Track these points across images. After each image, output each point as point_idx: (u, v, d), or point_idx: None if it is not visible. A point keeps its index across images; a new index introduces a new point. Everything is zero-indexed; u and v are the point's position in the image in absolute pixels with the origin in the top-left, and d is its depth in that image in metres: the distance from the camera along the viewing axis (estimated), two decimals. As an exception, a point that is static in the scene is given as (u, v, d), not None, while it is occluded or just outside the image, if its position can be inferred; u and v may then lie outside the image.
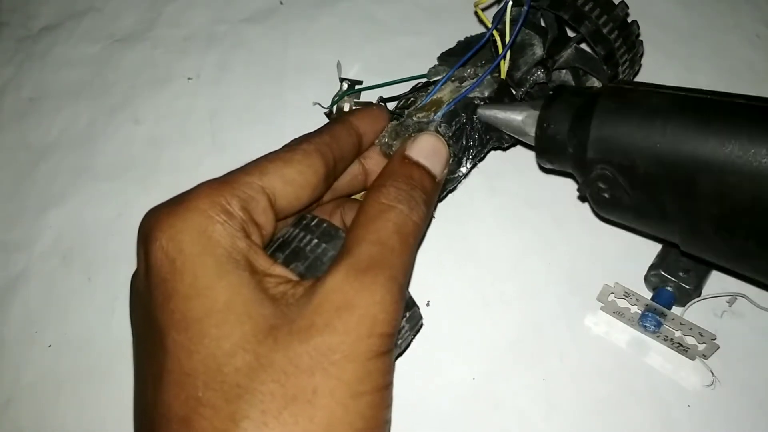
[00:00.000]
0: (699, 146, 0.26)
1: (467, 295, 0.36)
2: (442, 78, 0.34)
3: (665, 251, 0.35)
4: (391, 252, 0.25)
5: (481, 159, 0.36)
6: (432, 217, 0.38)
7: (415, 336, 0.30)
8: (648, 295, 0.35)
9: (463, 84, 0.34)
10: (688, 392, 0.34)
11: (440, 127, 0.32)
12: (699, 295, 0.34)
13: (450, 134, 0.32)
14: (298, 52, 0.45)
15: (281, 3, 0.47)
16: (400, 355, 0.34)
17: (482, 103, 0.33)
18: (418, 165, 0.29)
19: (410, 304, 0.28)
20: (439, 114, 0.32)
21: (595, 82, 0.37)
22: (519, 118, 0.33)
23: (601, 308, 0.35)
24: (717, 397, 0.33)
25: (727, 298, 0.35)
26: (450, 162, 0.31)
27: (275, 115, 0.43)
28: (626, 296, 0.34)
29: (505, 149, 0.38)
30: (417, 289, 0.36)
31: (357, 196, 0.34)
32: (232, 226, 0.25)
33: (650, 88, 0.29)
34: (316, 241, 0.27)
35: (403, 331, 0.28)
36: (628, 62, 0.36)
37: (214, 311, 0.23)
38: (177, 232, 0.24)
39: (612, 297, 0.34)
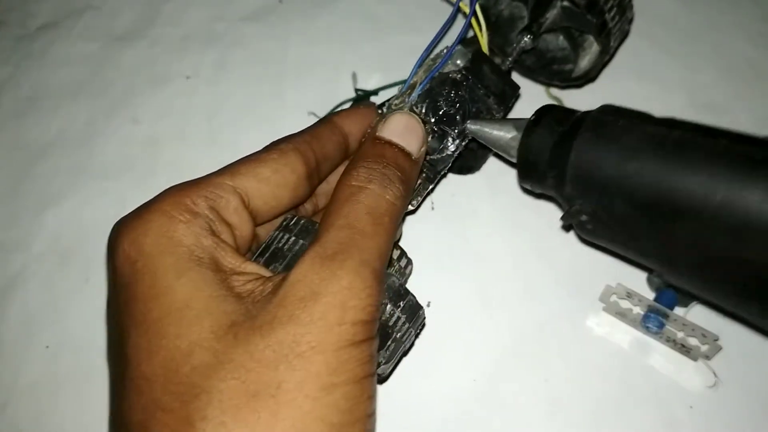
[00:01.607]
0: (676, 193, 0.26)
1: (468, 295, 0.36)
2: (416, 63, 0.33)
3: None
4: (361, 235, 0.24)
5: (470, 139, 0.34)
6: (422, 206, 0.38)
7: (418, 330, 0.29)
8: (650, 295, 0.34)
9: (436, 61, 0.33)
10: (690, 393, 0.34)
11: (416, 107, 0.31)
12: None
13: (426, 111, 0.31)
14: (297, 51, 0.45)
15: (280, 1, 0.47)
16: (406, 354, 0.34)
17: (459, 75, 0.32)
18: (390, 144, 0.28)
19: (403, 293, 0.27)
20: (414, 95, 0.31)
21: (595, 44, 0.37)
22: (507, 136, 0.32)
23: (604, 309, 0.35)
24: (719, 398, 0.33)
25: None
26: (430, 138, 0.30)
27: (274, 114, 0.43)
28: (629, 297, 0.34)
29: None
30: (418, 290, 0.36)
31: None
32: (197, 224, 0.24)
33: (634, 120, 0.29)
34: (293, 239, 0.27)
35: (400, 324, 0.27)
36: (615, 8, 0.35)
37: (172, 310, 0.22)
38: (138, 235, 0.24)
39: (614, 298, 0.34)
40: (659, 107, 0.42)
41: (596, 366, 0.34)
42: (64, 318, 0.38)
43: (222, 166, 0.27)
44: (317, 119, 0.38)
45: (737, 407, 0.33)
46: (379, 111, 0.33)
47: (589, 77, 0.38)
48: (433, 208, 0.39)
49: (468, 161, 0.39)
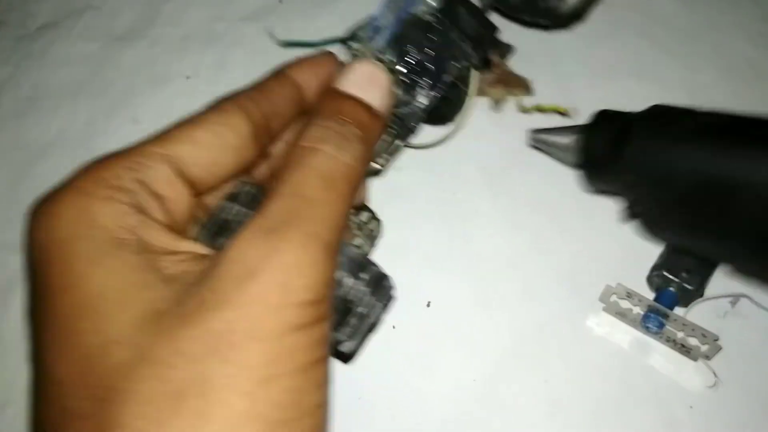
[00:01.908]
0: (733, 169, 0.26)
1: (468, 295, 0.36)
2: (381, 3, 0.29)
3: (668, 252, 0.35)
4: (309, 204, 0.21)
5: (446, 85, 0.30)
6: (422, 206, 0.37)
7: (386, 302, 0.26)
8: (650, 295, 0.34)
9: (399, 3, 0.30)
10: (690, 393, 0.34)
11: (383, 53, 0.28)
12: (702, 296, 0.34)
13: (394, 60, 0.28)
14: (297, 51, 0.45)
15: (281, 1, 0.47)
16: (371, 330, 0.33)
17: (431, 17, 0.29)
18: (349, 97, 0.25)
19: (364, 263, 0.24)
20: (380, 40, 0.28)
21: None
22: (565, 141, 0.34)
23: (603, 309, 0.35)
24: (719, 398, 0.33)
25: (730, 298, 0.35)
26: (398, 90, 0.27)
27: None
28: (628, 297, 0.34)
29: (476, 68, 0.33)
30: (417, 290, 0.36)
31: None
32: (119, 201, 0.21)
33: (684, 112, 0.30)
34: (243, 209, 0.24)
35: (365, 297, 0.25)
36: None
37: (85, 303, 0.19)
38: (51, 218, 0.21)
39: (614, 298, 0.34)
40: (659, 107, 0.42)
41: (596, 366, 0.34)
42: (64, 318, 0.38)
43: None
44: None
45: (737, 407, 0.33)
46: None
47: (577, 14, 0.37)
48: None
49: (441, 109, 0.36)
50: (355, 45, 0.29)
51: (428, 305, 0.36)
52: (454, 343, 0.35)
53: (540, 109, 0.39)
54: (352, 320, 0.24)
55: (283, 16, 0.46)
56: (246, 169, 0.26)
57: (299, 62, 0.28)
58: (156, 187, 0.22)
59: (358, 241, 0.29)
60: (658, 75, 0.43)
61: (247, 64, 0.45)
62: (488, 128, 0.41)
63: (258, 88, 0.26)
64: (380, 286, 0.25)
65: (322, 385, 0.21)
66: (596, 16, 0.45)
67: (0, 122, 0.44)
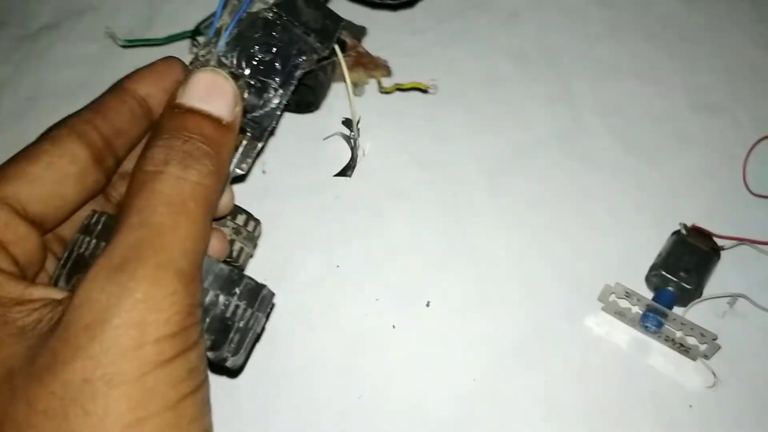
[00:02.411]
0: None
1: (468, 295, 0.36)
2: (219, 4, 0.28)
3: (667, 251, 0.35)
4: (158, 232, 0.20)
5: (297, 83, 0.29)
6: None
7: (268, 311, 0.26)
8: (649, 295, 0.35)
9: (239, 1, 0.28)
10: (689, 393, 0.34)
11: (225, 58, 0.26)
12: (700, 296, 0.34)
13: (238, 62, 0.26)
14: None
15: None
16: (258, 338, 0.32)
17: (270, 14, 0.27)
18: (192, 111, 0.23)
19: (235, 279, 0.24)
20: (221, 43, 0.26)
21: None
22: None
23: (602, 309, 0.35)
24: (719, 398, 0.33)
25: (728, 298, 0.35)
26: (246, 95, 0.26)
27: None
28: (627, 296, 0.34)
29: (322, 64, 0.32)
30: (417, 290, 0.36)
31: None
32: None
33: None
34: (95, 242, 0.23)
35: (240, 312, 0.24)
36: None
37: None
38: None
39: (613, 297, 0.34)
40: (659, 108, 0.42)
41: (595, 366, 0.34)
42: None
43: None
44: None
45: (736, 406, 0.33)
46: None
47: None
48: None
49: (306, 97, 0.36)
50: (197, 50, 0.28)
51: (428, 305, 0.36)
52: (453, 343, 0.35)
53: (400, 88, 0.39)
54: (235, 336, 0.24)
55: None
56: (95, 195, 0.25)
57: (138, 73, 0.26)
58: (2, 234, 0.21)
59: (237, 246, 0.28)
60: (658, 76, 0.43)
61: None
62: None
63: (94, 108, 0.24)
64: (258, 298, 0.25)
65: (198, 417, 0.20)
66: (597, 17, 0.45)
67: (0, 123, 0.45)
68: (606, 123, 0.41)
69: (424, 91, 0.40)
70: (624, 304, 0.34)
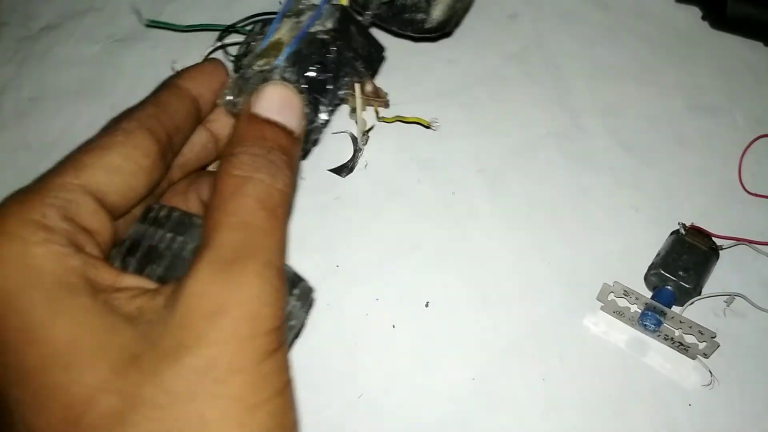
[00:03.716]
0: None
1: (467, 295, 0.37)
2: (276, 16, 0.30)
3: (665, 250, 0.35)
4: (259, 233, 0.21)
5: (340, 101, 0.32)
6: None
7: (308, 311, 0.27)
8: (648, 294, 0.35)
9: (301, 18, 0.30)
10: (688, 391, 0.34)
11: (285, 72, 0.28)
12: (699, 294, 0.34)
13: (297, 78, 0.28)
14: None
15: (280, 2, 0.47)
16: (297, 337, 0.33)
17: (327, 37, 0.29)
18: (268, 122, 0.24)
19: (295, 280, 0.25)
20: (281, 58, 0.28)
21: None
22: None
23: (601, 308, 0.35)
24: (718, 396, 0.34)
25: (725, 297, 0.35)
26: (306, 111, 0.27)
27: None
28: (626, 295, 0.34)
29: (362, 82, 0.35)
30: (416, 290, 0.36)
31: (212, 167, 0.31)
32: (57, 243, 0.20)
33: None
34: (170, 235, 0.24)
35: (295, 311, 0.25)
36: None
37: (57, 355, 0.19)
38: None
39: (612, 296, 0.34)
40: (656, 109, 0.42)
41: (594, 365, 0.35)
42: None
43: (58, 162, 0.23)
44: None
45: (735, 405, 0.33)
46: (236, 63, 0.30)
47: (443, 30, 0.38)
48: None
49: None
50: (247, 59, 0.29)
51: (427, 305, 0.36)
52: (452, 342, 0.35)
53: (402, 120, 0.39)
54: (289, 335, 0.25)
55: (284, 17, 0.46)
56: (155, 189, 0.25)
57: (191, 73, 0.27)
58: (83, 221, 0.22)
59: None
60: (655, 77, 0.43)
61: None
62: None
63: (156, 103, 0.25)
64: (308, 299, 0.26)
65: (295, 405, 0.22)
66: (596, 20, 0.45)
67: (2, 123, 0.45)
68: (604, 123, 0.41)
69: (426, 126, 0.40)
70: (623, 303, 0.35)
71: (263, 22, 0.32)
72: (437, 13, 0.37)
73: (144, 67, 0.45)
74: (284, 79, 0.28)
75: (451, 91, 0.42)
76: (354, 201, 0.39)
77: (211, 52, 0.30)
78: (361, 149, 0.38)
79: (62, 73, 0.46)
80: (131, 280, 0.22)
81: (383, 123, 0.40)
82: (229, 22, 0.40)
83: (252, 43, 0.31)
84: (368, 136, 0.39)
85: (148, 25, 0.40)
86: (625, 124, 0.41)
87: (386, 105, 0.39)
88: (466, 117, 0.41)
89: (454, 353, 0.35)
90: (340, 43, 0.30)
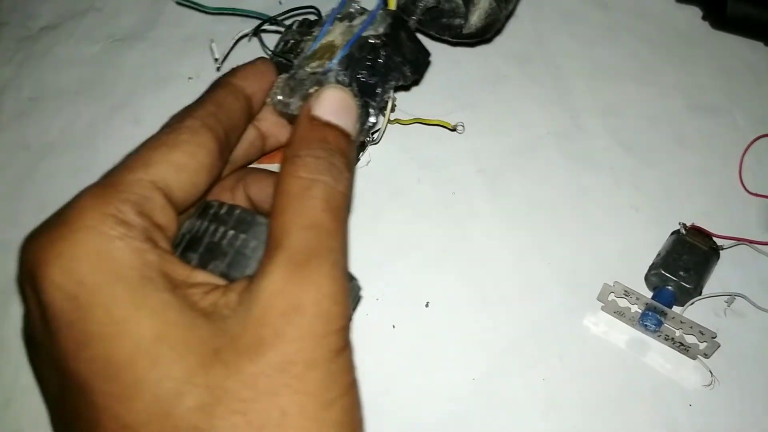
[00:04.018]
0: None
1: (467, 295, 0.36)
2: (328, 19, 0.30)
3: (665, 250, 0.35)
4: (327, 234, 0.22)
5: (386, 104, 0.32)
6: (423, 202, 0.37)
7: (356, 308, 0.27)
8: (648, 294, 0.35)
9: (354, 22, 0.31)
10: (689, 392, 0.34)
11: (339, 75, 0.28)
12: (699, 294, 0.34)
13: (349, 81, 0.28)
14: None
15: (280, 2, 0.47)
16: None
17: (378, 41, 0.29)
18: (329, 125, 0.25)
19: (350, 278, 0.25)
20: (335, 61, 0.28)
21: (485, 0, 0.37)
22: None
23: (602, 308, 0.35)
24: (718, 397, 0.34)
25: (726, 298, 0.35)
26: (360, 114, 0.28)
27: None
28: (626, 295, 0.34)
29: (407, 88, 0.36)
30: (416, 290, 0.36)
31: (256, 164, 0.31)
32: (135, 239, 0.21)
33: None
34: (232, 232, 0.24)
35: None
36: None
37: (143, 349, 0.20)
38: (70, 260, 0.20)
39: (612, 296, 0.34)
40: (657, 109, 0.42)
41: (594, 365, 0.35)
42: (66, 317, 0.38)
43: (128, 154, 0.24)
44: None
45: (736, 406, 0.33)
46: (281, 61, 0.30)
47: (482, 36, 0.38)
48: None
49: None
50: (307, 62, 0.29)
51: (427, 305, 0.36)
52: (452, 343, 0.35)
53: (422, 122, 0.39)
54: None
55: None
56: (211, 188, 0.26)
57: (245, 72, 0.28)
58: (156, 217, 0.22)
59: None
60: (655, 78, 0.43)
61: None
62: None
63: (215, 102, 0.26)
64: (356, 295, 0.26)
65: (361, 402, 0.22)
66: (596, 20, 0.45)
67: (2, 123, 0.45)
68: (604, 123, 0.41)
69: (451, 129, 0.40)
70: (623, 303, 0.35)
71: (303, 19, 0.32)
72: (475, 18, 0.37)
73: (144, 67, 0.45)
74: (338, 81, 0.28)
75: (452, 90, 0.42)
76: (354, 201, 0.39)
77: (239, 39, 0.32)
78: (370, 141, 0.38)
79: (62, 73, 0.46)
80: (202, 276, 0.22)
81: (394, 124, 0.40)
82: (238, 17, 0.40)
83: (291, 41, 0.32)
84: (381, 136, 0.39)
85: (178, 3, 0.40)
86: (625, 124, 0.41)
87: (392, 109, 0.39)
88: (467, 117, 0.41)
89: (455, 353, 0.35)
90: (390, 48, 0.30)
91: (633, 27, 0.45)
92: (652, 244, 0.37)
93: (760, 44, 0.44)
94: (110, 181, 0.22)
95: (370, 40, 0.30)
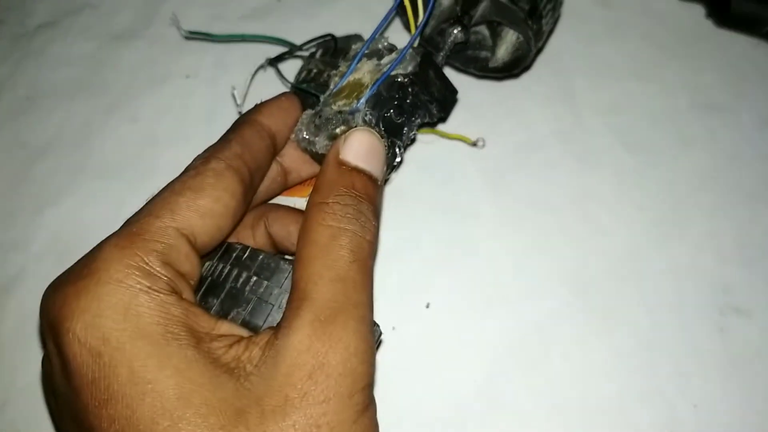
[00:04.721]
0: None
1: (468, 296, 0.36)
2: (356, 55, 0.30)
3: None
4: (354, 288, 0.22)
5: (412, 141, 0.32)
6: (422, 200, 0.37)
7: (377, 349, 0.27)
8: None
9: (382, 61, 0.30)
10: (693, 392, 0.33)
11: (366, 115, 0.28)
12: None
13: (377, 122, 0.28)
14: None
15: (278, 0, 0.47)
16: None
17: (406, 80, 0.29)
18: (357, 171, 0.25)
19: (375, 325, 0.25)
20: (362, 100, 0.28)
21: (512, 34, 0.36)
22: None
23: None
24: (724, 397, 0.33)
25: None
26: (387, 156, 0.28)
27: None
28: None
29: (433, 125, 0.35)
30: (417, 291, 0.36)
31: (277, 200, 0.31)
32: (160, 292, 0.21)
33: None
34: (255, 278, 0.24)
35: None
36: (550, 12, 0.34)
37: (167, 410, 0.19)
38: (94, 316, 0.20)
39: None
40: (660, 107, 0.42)
41: (597, 365, 0.34)
42: (63, 318, 0.38)
43: (152, 198, 0.23)
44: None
45: (741, 406, 0.33)
46: (303, 94, 0.30)
47: (509, 71, 0.37)
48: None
49: None
50: (334, 99, 0.29)
51: (427, 306, 0.36)
52: (454, 344, 0.35)
53: (440, 135, 0.39)
54: None
55: (282, 15, 0.46)
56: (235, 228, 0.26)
57: (270, 110, 0.28)
58: (180, 266, 0.22)
59: None
60: (659, 75, 0.42)
61: (246, 63, 0.45)
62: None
63: (241, 142, 0.25)
64: (378, 342, 0.26)
65: None
66: (599, 18, 0.45)
67: (-2, 121, 0.44)
68: (606, 122, 0.41)
69: (472, 144, 0.39)
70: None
71: (323, 46, 0.32)
72: (502, 52, 0.36)
73: (141, 65, 0.45)
74: (365, 122, 0.27)
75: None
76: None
77: (256, 72, 0.32)
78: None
79: (59, 72, 0.45)
80: (225, 327, 0.22)
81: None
82: (236, 15, 0.40)
83: (314, 70, 0.31)
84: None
85: (187, 38, 0.39)
86: (628, 123, 0.41)
87: None
88: (468, 116, 0.41)
89: (456, 355, 0.35)
90: (418, 87, 0.30)
91: (636, 25, 0.44)
92: (657, 244, 0.36)
93: (764, 42, 0.43)
94: (136, 229, 0.22)
95: (398, 79, 0.29)
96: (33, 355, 0.37)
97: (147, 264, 0.21)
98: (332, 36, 0.33)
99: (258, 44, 0.45)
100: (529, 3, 0.31)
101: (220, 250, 0.25)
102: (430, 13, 0.31)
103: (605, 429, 0.33)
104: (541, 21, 0.33)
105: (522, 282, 0.36)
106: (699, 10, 0.45)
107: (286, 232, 0.28)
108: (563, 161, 0.40)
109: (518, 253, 0.37)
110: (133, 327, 0.20)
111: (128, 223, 0.23)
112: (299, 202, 0.30)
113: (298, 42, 0.34)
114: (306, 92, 0.30)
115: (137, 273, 0.21)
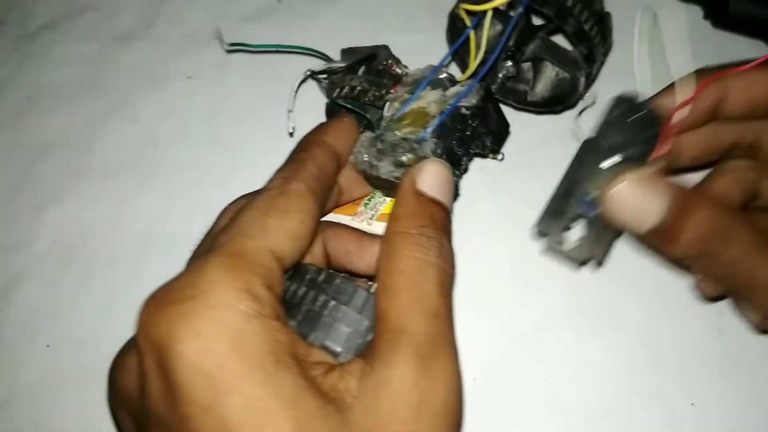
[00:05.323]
0: None
1: (467, 294, 0.36)
2: (421, 84, 0.31)
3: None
4: (445, 322, 0.22)
5: (465, 171, 0.33)
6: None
7: None
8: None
9: (447, 92, 0.31)
10: (692, 391, 0.34)
11: (436, 146, 0.29)
12: None
13: (441, 152, 0.29)
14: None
15: (279, 1, 0.47)
16: None
17: (469, 112, 0.30)
18: (434, 202, 0.25)
19: None
20: (429, 129, 0.28)
21: (552, 70, 0.36)
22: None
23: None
24: (722, 396, 0.33)
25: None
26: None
27: (275, 114, 0.43)
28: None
29: (484, 156, 0.35)
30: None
31: (329, 217, 0.31)
32: (267, 317, 0.20)
33: None
34: (333, 303, 0.24)
35: None
36: (602, 55, 0.35)
37: None
38: (209, 342, 0.19)
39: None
40: (658, 107, 0.42)
41: (596, 364, 0.34)
42: (65, 317, 0.38)
43: (239, 217, 0.23)
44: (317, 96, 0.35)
45: (740, 404, 0.33)
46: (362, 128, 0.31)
47: (549, 107, 0.36)
48: None
49: None
50: (397, 126, 0.29)
51: (428, 305, 0.36)
52: (454, 343, 0.35)
53: None
54: None
55: (283, 16, 0.46)
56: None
57: (336, 131, 0.28)
58: (277, 289, 0.22)
59: None
60: (657, 75, 0.43)
61: (248, 64, 0.45)
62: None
63: (315, 164, 0.26)
64: None
65: None
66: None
67: (0, 122, 0.44)
68: (606, 123, 0.41)
69: (492, 157, 0.39)
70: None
71: (357, 61, 0.32)
72: (540, 87, 0.36)
73: (143, 66, 0.45)
74: (434, 153, 0.28)
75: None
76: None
77: (299, 86, 0.32)
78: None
79: (60, 72, 0.45)
80: (317, 354, 0.22)
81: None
82: (238, 16, 0.40)
83: (358, 88, 0.31)
84: None
85: (229, 51, 0.40)
86: (626, 124, 0.41)
87: None
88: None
89: (455, 354, 0.35)
90: (478, 121, 0.31)
91: (634, 25, 0.44)
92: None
93: (761, 43, 0.43)
94: (235, 250, 0.22)
95: (461, 111, 0.30)
96: (35, 354, 0.37)
97: (252, 287, 0.21)
98: (375, 53, 0.34)
99: (259, 48, 0.45)
100: (587, 48, 0.32)
101: (289, 270, 0.25)
102: (503, 47, 0.32)
103: (604, 428, 0.33)
104: (593, 66, 0.33)
105: (520, 280, 0.36)
106: (696, 12, 0.45)
107: (344, 250, 0.28)
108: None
109: (517, 251, 0.37)
110: (247, 354, 0.20)
111: (221, 243, 0.22)
112: (345, 220, 0.31)
113: (335, 56, 0.34)
114: (355, 112, 0.31)
115: (246, 297, 0.20)
